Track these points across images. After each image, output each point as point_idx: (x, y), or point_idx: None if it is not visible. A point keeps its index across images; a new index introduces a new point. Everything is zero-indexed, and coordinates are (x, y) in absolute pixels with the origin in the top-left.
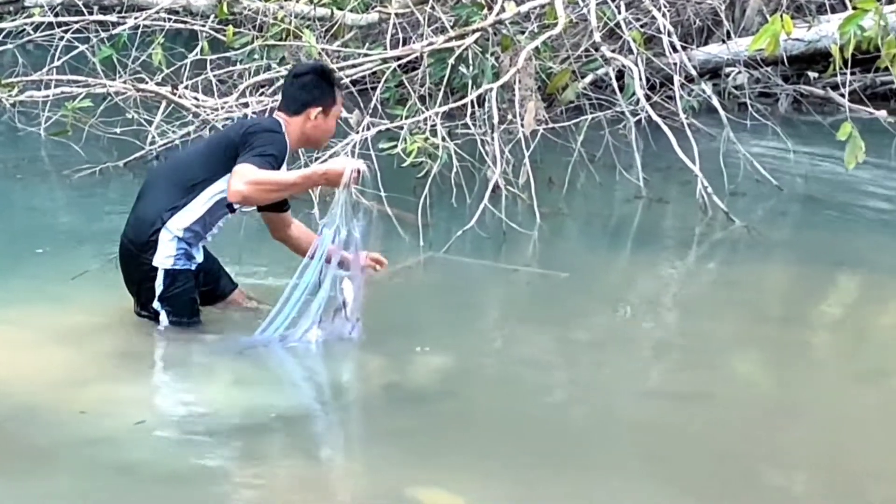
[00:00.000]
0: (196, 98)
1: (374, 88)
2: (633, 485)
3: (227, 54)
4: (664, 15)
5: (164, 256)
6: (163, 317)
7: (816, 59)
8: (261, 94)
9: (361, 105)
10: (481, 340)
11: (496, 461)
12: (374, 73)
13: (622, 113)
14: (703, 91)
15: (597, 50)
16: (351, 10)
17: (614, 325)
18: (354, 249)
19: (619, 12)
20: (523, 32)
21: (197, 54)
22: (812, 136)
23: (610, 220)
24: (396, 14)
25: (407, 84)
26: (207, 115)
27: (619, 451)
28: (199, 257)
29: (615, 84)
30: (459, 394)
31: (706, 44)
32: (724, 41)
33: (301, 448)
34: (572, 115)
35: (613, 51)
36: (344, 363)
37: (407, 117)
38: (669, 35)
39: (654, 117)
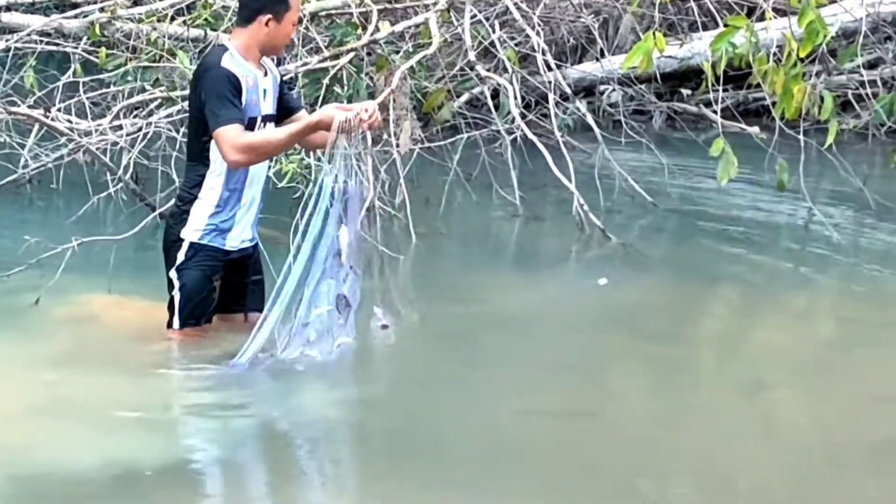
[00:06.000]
0: (69, 121)
1: None
2: (511, 503)
3: (101, 76)
4: (538, 34)
5: (193, 229)
6: (175, 290)
7: (689, 76)
8: (135, 116)
9: None
10: (352, 366)
11: (376, 482)
12: None
13: (498, 131)
14: (578, 109)
15: (472, 69)
16: (224, 31)
17: (493, 343)
18: (352, 199)
19: (494, 31)
20: (398, 52)
21: (70, 76)
22: (686, 153)
23: (487, 238)
24: None
25: None
26: (81, 137)
27: (498, 469)
28: (235, 240)
29: (490, 103)
30: (342, 419)
31: (580, 62)
32: (597, 59)
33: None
34: (448, 135)
35: (488, 69)
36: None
37: None
38: (544, 53)
39: (530, 135)
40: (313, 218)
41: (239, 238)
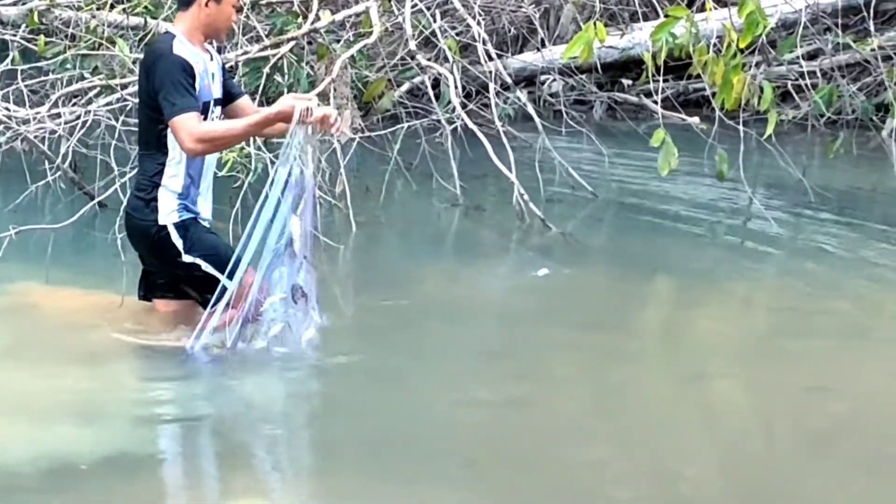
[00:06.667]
0: (7, 108)
1: None
2: (445, 492)
3: (39, 64)
4: (479, 23)
5: (167, 212)
6: (204, 266)
7: (630, 66)
8: (74, 104)
9: None
10: (289, 357)
11: (312, 471)
12: None
13: (438, 121)
14: (519, 99)
15: (412, 58)
16: (164, 19)
17: (432, 333)
18: (307, 189)
19: (435, 21)
20: (339, 41)
21: (8, 64)
22: (627, 143)
23: (427, 227)
24: None
25: None
26: (19, 125)
27: (433, 458)
28: (206, 214)
29: (431, 92)
30: (280, 409)
31: (521, 52)
32: (538, 49)
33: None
34: (389, 124)
35: (429, 59)
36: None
37: None
38: (484, 43)
39: (470, 125)
40: (265, 205)
41: (205, 223)
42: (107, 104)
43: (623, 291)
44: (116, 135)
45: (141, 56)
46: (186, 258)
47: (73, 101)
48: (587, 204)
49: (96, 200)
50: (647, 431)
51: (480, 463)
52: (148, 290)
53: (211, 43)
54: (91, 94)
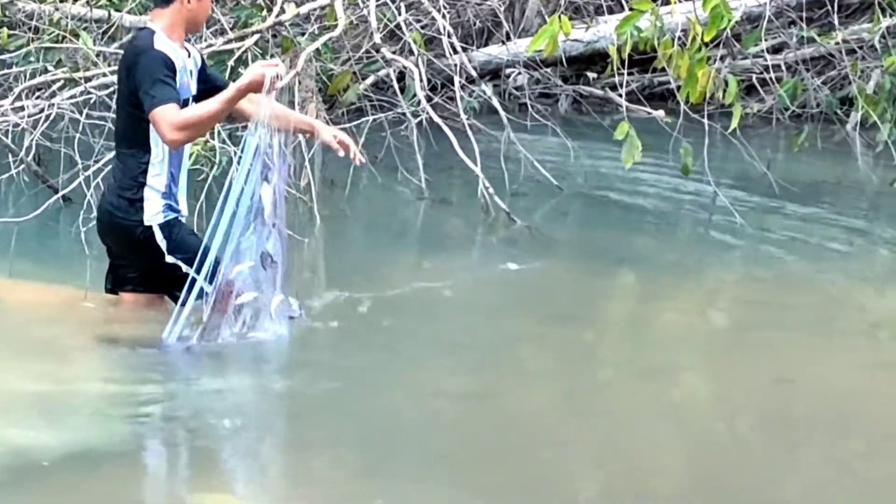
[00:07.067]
0: None
1: None
2: (418, 486)
3: (3, 57)
4: (444, 16)
5: (153, 213)
6: (185, 267)
7: (595, 59)
8: (37, 98)
9: None
10: (256, 352)
11: (280, 465)
12: None
13: (403, 114)
14: (484, 92)
15: (377, 51)
16: (128, 12)
17: (397, 327)
18: (277, 158)
19: (400, 14)
20: (304, 34)
21: None
22: (592, 136)
23: (393, 221)
24: None
25: None
26: None
27: (405, 452)
28: (185, 210)
29: (396, 85)
30: (249, 405)
31: (486, 45)
32: (503, 42)
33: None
34: (354, 117)
35: (394, 52)
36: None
37: None
38: (449, 36)
39: (436, 118)
40: (236, 178)
41: (183, 219)
42: (70, 97)
43: (589, 284)
44: (80, 128)
45: (104, 49)
46: (169, 259)
47: (37, 94)
48: (552, 197)
49: (60, 194)
50: (615, 425)
51: (453, 457)
52: (116, 283)
53: (187, 39)
54: (55, 87)
